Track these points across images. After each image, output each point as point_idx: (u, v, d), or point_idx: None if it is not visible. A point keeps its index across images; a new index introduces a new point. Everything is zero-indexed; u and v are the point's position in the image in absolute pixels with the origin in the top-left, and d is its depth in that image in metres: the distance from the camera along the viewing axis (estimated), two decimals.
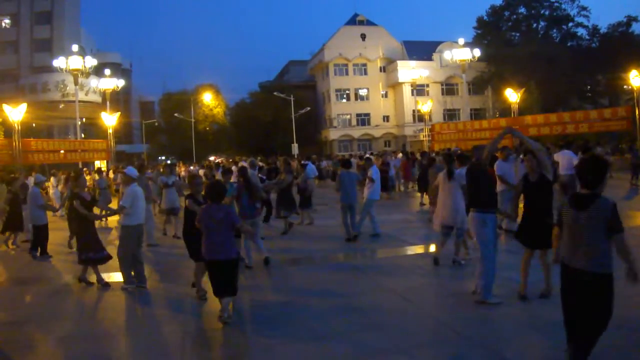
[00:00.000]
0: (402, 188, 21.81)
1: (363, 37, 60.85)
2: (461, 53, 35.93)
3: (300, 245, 10.97)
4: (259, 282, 8.15)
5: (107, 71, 37.74)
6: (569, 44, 50.63)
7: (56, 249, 11.47)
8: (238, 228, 6.41)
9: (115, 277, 8.80)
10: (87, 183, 12.49)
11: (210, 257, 6.19)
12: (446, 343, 5.25)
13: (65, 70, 32.01)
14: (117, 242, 8.66)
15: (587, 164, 4.11)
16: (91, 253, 8.11)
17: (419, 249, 9.70)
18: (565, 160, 12.06)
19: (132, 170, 8.53)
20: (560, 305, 4.16)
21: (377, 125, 60.76)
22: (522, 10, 52.39)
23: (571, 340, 4.11)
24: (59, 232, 12.68)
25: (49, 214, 12.14)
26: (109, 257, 8.34)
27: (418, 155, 21.36)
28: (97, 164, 35.63)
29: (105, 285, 8.08)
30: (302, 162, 19.12)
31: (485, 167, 6.54)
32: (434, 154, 20.21)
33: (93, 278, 8.27)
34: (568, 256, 4.10)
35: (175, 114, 56.16)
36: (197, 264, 7.20)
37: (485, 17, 53.41)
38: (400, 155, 23.64)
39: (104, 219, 12.89)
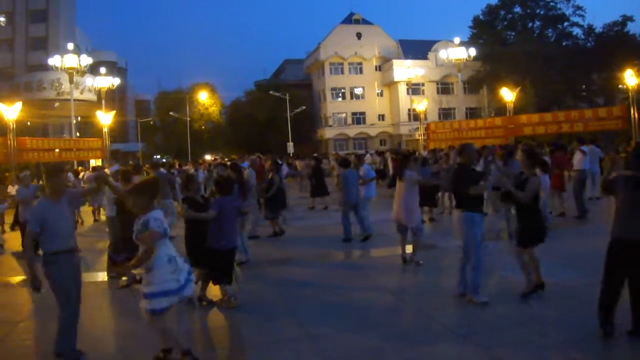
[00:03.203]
0: None
1: (359, 35, 60.83)
2: (457, 52, 35.91)
3: (294, 245, 10.96)
4: (253, 281, 8.15)
5: (103, 70, 37.61)
6: (564, 44, 50.71)
7: None
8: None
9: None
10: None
11: (233, 244, 6.56)
12: (439, 341, 5.27)
13: (61, 69, 31.80)
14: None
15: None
16: None
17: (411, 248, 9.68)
18: (593, 155, 12.63)
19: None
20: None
21: (372, 124, 60.79)
22: (518, 9, 52.49)
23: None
24: None
25: None
26: None
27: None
28: (92, 162, 35.48)
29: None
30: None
31: (471, 167, 6.58)
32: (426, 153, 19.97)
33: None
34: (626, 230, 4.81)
35: (171, 113, 56.00)
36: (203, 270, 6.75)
37: (481, 16, 53.46)
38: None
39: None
